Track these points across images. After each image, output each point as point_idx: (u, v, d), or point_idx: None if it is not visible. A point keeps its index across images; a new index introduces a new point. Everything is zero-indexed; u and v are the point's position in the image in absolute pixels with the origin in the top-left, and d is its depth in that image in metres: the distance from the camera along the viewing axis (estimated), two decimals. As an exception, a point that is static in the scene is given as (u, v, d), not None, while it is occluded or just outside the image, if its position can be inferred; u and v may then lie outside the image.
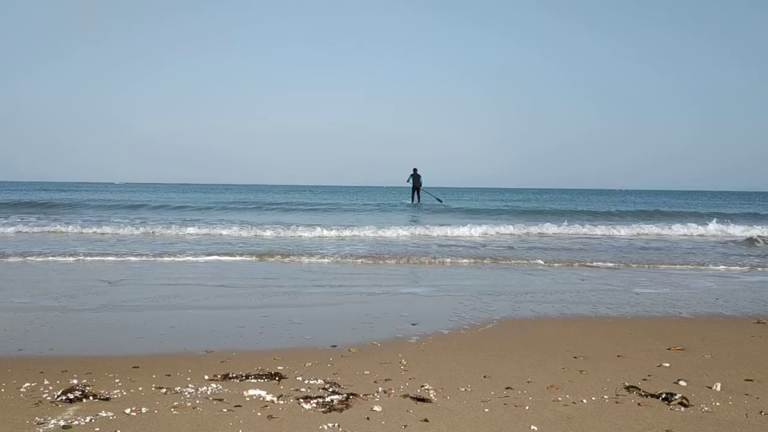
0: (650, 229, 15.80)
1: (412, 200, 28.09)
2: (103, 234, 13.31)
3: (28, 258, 9.16)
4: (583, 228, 15.67)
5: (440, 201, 29.31)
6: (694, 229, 15.88)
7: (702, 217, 18.97)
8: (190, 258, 9.45)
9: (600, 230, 15.49)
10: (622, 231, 15.39)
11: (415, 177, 27.03)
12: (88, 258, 9.24)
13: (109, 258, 9.29)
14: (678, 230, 15.79)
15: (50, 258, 9.20)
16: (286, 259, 9.50)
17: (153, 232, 13.63)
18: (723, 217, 18.57)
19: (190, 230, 13.86)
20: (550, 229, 15.36)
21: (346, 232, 13.85)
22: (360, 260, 9.52)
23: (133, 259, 9.25)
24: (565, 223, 16.14)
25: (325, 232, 13.64)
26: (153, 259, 9.31)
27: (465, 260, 9.59)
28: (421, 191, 27.92)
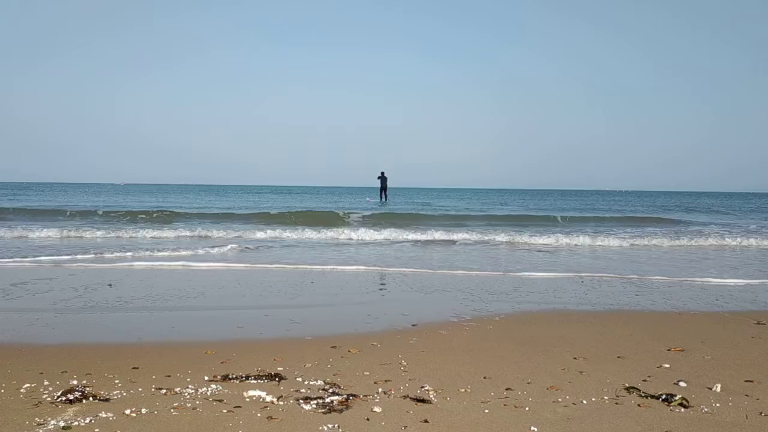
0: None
1: (380, 199, 30.50)
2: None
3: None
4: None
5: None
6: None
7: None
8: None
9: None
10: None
11: (383, 179, 29.48)
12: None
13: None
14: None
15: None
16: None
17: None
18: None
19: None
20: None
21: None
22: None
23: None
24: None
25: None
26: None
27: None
28: (387, 191, 30.26)
